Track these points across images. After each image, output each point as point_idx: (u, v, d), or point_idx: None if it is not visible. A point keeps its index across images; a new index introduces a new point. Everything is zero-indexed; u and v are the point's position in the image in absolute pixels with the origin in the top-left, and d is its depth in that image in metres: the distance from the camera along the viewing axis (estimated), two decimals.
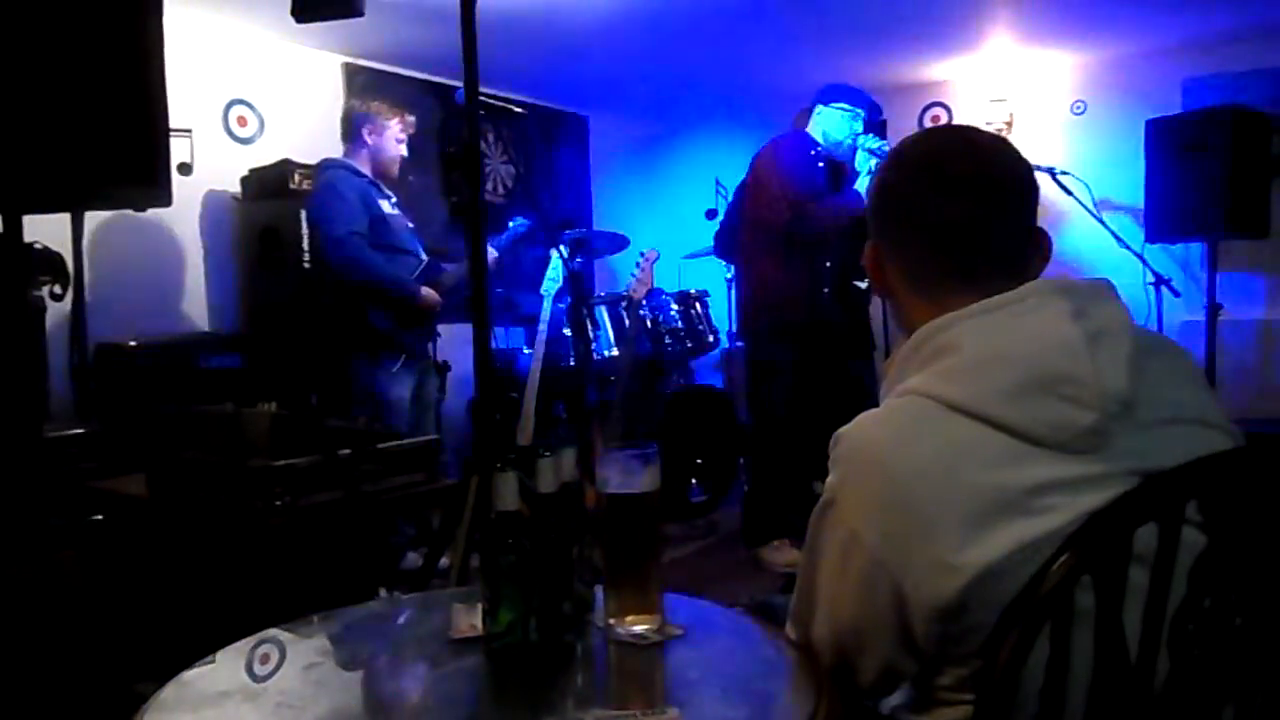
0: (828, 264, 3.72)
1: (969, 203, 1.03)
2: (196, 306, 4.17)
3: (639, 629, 1.17)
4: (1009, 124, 5.32)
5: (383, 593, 2.55)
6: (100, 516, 2.36)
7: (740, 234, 3.97)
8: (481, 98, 2.26)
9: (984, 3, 4.24)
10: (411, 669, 1.20)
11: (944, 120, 5.57)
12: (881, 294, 1.14)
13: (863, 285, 3.92)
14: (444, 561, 2.63)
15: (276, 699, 1.11)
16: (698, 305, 4.78)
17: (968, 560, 0.87)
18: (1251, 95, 4.35)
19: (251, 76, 4.36)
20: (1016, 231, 1.05)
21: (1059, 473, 0.89)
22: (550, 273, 4.04)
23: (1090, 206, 4.03)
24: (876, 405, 1.03)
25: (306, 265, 3.89)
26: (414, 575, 3.20)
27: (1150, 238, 4.13)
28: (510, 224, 3.90)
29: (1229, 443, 0.98)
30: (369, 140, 3.71)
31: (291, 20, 2.60)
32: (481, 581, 1.15)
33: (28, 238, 1.95)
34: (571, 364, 4.36)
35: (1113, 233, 4.14)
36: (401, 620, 1.39)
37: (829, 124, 3.80)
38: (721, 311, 5.24)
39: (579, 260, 4.63)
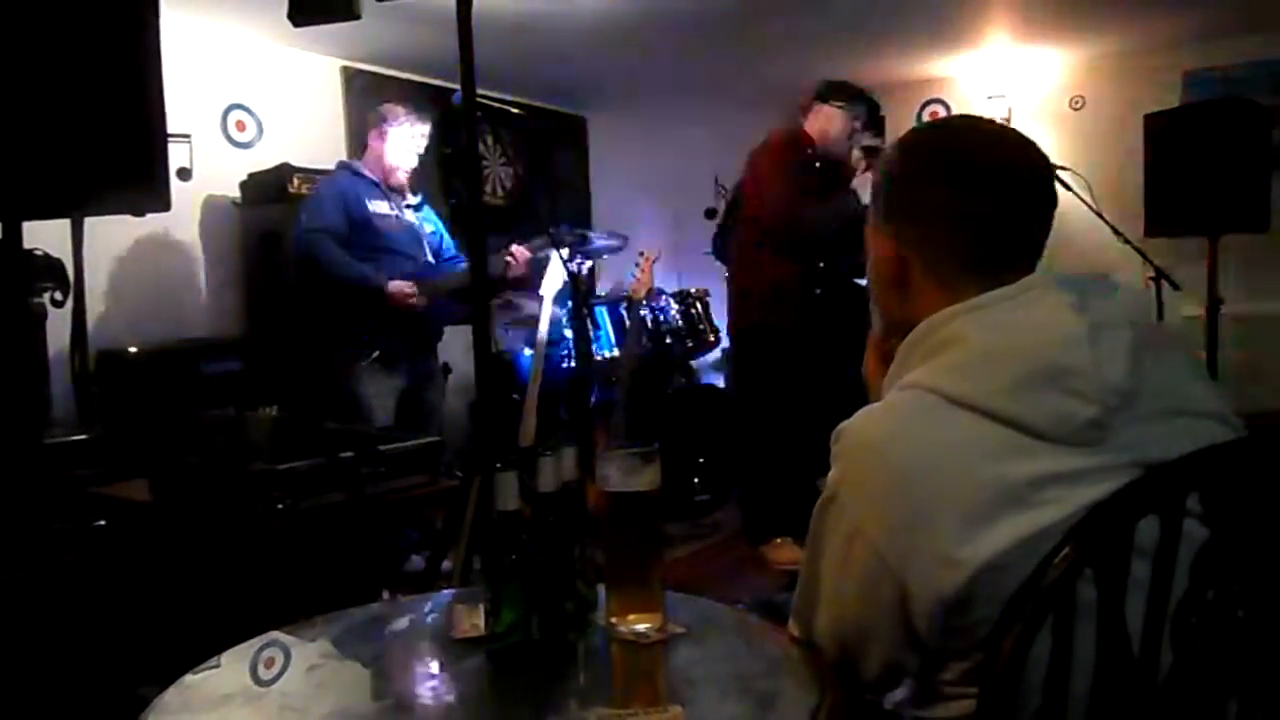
0: (821, 264, 3.72)
1: (1002, 193, 1.03)
2: (197, 311, 4.18)
3: (641, 628, 1.17)
4: (1008, 120, 5.31)
5: (385, 595, 2.55)
6: (103, 522, 2.36)
7: (736, 230, 3.97)
8: (480, 100, 2.26)
9: None
10: (414, 670, 1.20)
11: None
12: (893, 284, 1.10)
13: (863, 283, 3.92)
14: (446, 564, 2.63)
15: (279, 701, 1.11)
16: (698, 304, 4.78)
17: (970, 554, 0.87)
18: (1251, 88, 4.35)
19: (250, 81, 4.37)
20: (1043, 223, 1.05)
21: (1061, 466, 0.89)
22: (549, 273, 4.03)
23: (1090, 201, 4.02)
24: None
25: None
26: (417, 577, 3.20)
27: (1150, 232, 4.12)
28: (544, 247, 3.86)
29: (1231, 434, 0.98)
30: (370, 143, 3.73)
31: (289, 24, 2.60)
32: (483, 581, 1.15)
33: (28, 244, 1.95)
34: (572, 365, 4.36)
35: (1112, 227, 4.13)
36: (404, 621, 1.39)
37: (827, 122, 3.79)
38: (722, 311, 5.23)
39: (579, 261, 4.63)
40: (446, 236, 3.97)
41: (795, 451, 3.66)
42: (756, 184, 3.73)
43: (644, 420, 4.18)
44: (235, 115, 4.32)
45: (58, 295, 3.31)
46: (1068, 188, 3.95)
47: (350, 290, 3.54)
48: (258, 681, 1.18)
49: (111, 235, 3.80)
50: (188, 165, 3.84)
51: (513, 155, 5.41)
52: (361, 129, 3.84)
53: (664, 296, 4.68)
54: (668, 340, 4.59)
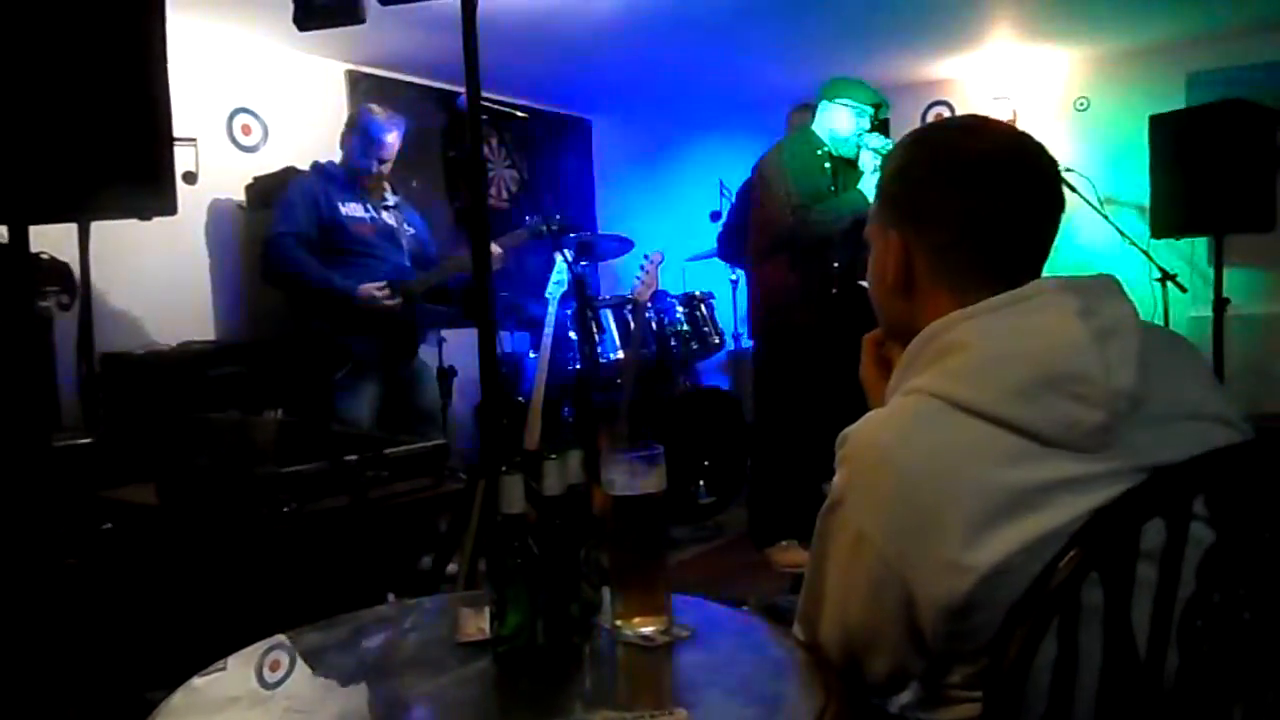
0: (835, 264, 3.72)
1: (1010, 195, 1.02)
2: (203, 315, 4.19)
3: (646, 630, 1.17)
4: (1012, 121, 5.31)
5: (391, 598, 2.55)
6: (109, 525, 2.37)
7: (748, 236, 3.96)
8: (484, 103, 2.26)
9: (986, 0, 4.23)
10: (419, 673, 1.20)
11: None
12: (896, 287, 1.09)
13: (866, 285, 3.91)
14: (452, 567, 2.63)
15: (285, 704, 1.11)
16: (703, 307, 4.78)
17: (976, 559, 0.86)
18: (1256, 89, 4.34)
19: (255, 85, 4.38)
20: (1051, 226, 1.05)
21: (1068, 471, 0.88)
22: (555, 276, 4.04)
23: (1095, 203, 4.02)
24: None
25: None
26: (422, 579, 3.20)
27: (1156, 233, 4.11)
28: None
29: (1238, 438, 0.98)
30: (348, 142, 3.69)
31: (294, 28, 2.61)
32: (488, 585, 1.15)
33: (34, 248, 1.96)
34: (577, 367, 4.36)
35: (1118, 229, 4.13)
36: (409, 624, 1.39)
37: (835, 121, 3.78)
38: (727, 313, 5.24)
39: (583, 264, 4.63)
40: (427, 237, 3.92)
41: (802, 454, 3.65)
42: (769, 189, 3.73)
43: (648, 423, 4.18)
44: (241, 119, 4.33)
45: (64, 299, 3.33)
46: (1073, 189, 3.96)
47: (318, 298, 3.49)
48: (264, 684, 1.18)
49: (117, 239, 3.80)
50: (193, 169, 3.84)
51: (517, 158, 5.41)
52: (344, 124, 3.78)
53: (668, 299, 4.68)
54: (672, 343, 4.59)
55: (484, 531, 2.19)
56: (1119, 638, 0.84)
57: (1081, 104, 5.32)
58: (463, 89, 2.19)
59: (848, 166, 3.83)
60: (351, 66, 4.79)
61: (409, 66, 4.89)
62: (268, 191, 4.13)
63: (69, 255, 3.36)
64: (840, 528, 0.98)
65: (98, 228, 3.53)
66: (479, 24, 2.19)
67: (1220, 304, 3.95)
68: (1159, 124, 4.05)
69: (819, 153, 3.74)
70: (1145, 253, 4.09)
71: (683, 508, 4.40)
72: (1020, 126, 5.39)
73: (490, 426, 2.41)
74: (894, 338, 1.11)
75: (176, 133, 1.89)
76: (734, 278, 5.10)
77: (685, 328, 4.65)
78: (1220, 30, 4.71)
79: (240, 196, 4.22)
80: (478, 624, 1.22)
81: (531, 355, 4.63)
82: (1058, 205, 1.06)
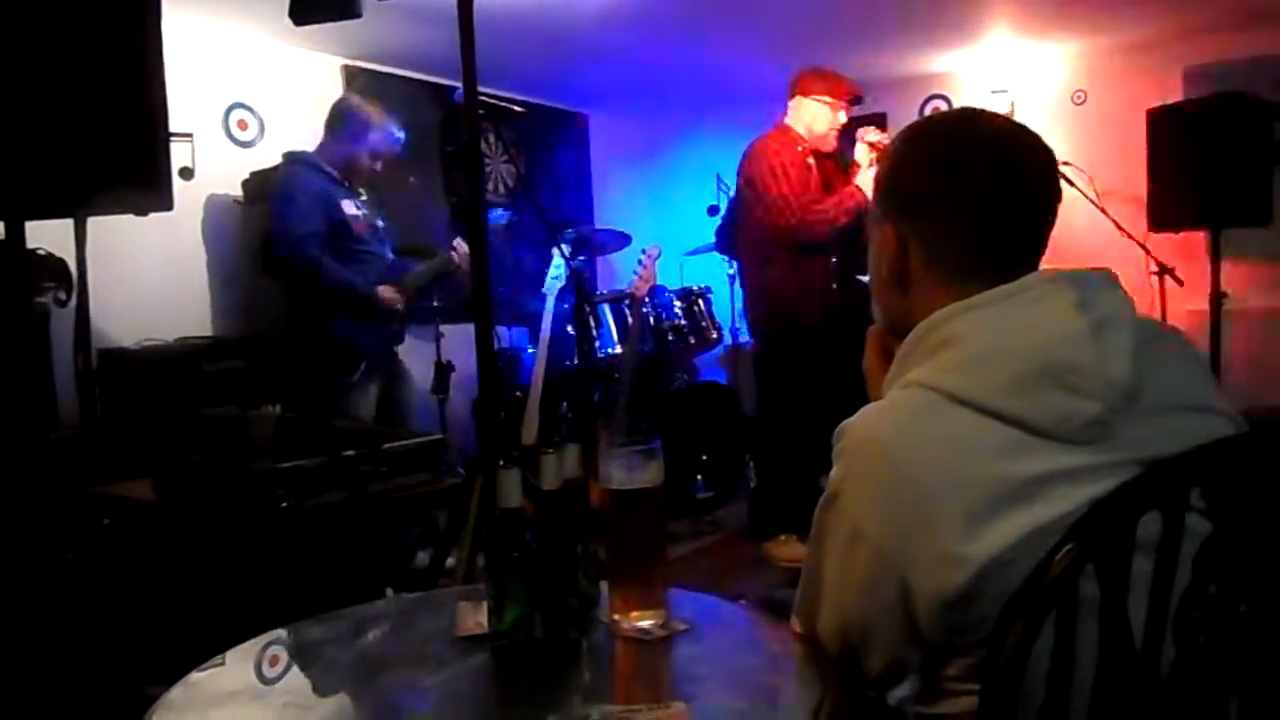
0: (834, 260, 3.71)
1: (1004, 188, 1.02)
2: (199, 310, 4.18)
3: (644, 624, 1.17)
4: (1010, 115, 5.30)
5: (390, 593, 2.55)
6: (107, 520, 2.37)
7: (743, 234, 3.96)
8: (481, 98, 2.26)
9: None
10: (418, 667, 1.20)
11: None
12: (893, 279, 1.09)
13: (865, 279, 3.91)
14: (450, 562, 2.63)
15: (284, 699, 1.12)
16: (700, 301, 4.78)
17: (973, 552, 0.87)
18: (1253, 83, 4.33)
19: (251, 80, 4.37)
20: (1046, 220, 1.04)
21: (1063, 463, 0.89)
22: (552, 271, 4.04)
23: (1092, 197, 4.02)
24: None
25: None
26: (420, 574, 3.20)
27: (1153, 227, 4.11)
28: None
29: (1233, 431, 0.98)
30: (352, 139, 3.61)
31: (290, 23, 2.60)
32: (487, 579, 1.15)
33: (31, 244, 1.96)
34: (575, 362, 4.36)
35: (1115, 222, 4.13)
36: (407, 619, 1.39)
37: (812, 117, 3.77)
38: (724, 307, 5.24)
39: (581, 258, 4.63)
40: (393, 231, 3.91)
41: (801, 448, 3.66)
42: (758, 190, 3.72)
43: (646, 418, 4.18)
44: (237, 114, 4.32)
45: (61, 294, 3.32)
46: (1070, 183, 3.96)
47: (337, 299, 3.48)
48: (263, 679, 1.19)
49: (114, 234, 3.79)
50: (190, 164, 3.83)
51: (514, 153, 5.40)
52: (337, 115, 3.71)
53: (666, 293, 4.67)
54: (670, 337, 4.59)
55: (482, 526, 2.20)
56: (1115, 630, 0.84)
57: (1079, 98, 5.32)
58: (459, 84, 2.19)
59: (831, 159, 3.82)
60: (347, 61, 4.78)
61: (405, 61, 4.88)
62: (264, 187, 4.12)
63: (65, 251, 3.35)
64: (837, 521, 0.98)
65: (94, 223, 3.53)
66: (475, 18, 2.19)
67: (1217, 298, 3.96)
68: (1156, 118, 4.05)
69: (799, 149, 3.73)
70: (1143, 246, 4.09)
71: (680, 502, 4.40)
72: (1018, 120, 5.42)
73: (488, 421, 2.41)
74: (892, 332, 1.11)
75: (173, 128, 1.89)
76: (731, 272, 5.09)
77: (683, 322, 4.65)
78: (1218, 24, 4.70)
79: (237, 192, 4.21)
80: (476, 618, 1.22)
81: (529, 350, 4.64)
82: (1052, 197, 1.05)
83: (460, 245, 3.70)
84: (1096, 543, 0.83)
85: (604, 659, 1.18)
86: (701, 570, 3.74)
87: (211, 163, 4.09)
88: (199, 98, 4.13)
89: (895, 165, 1.10)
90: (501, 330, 4.67)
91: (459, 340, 3.96)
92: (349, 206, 3.59)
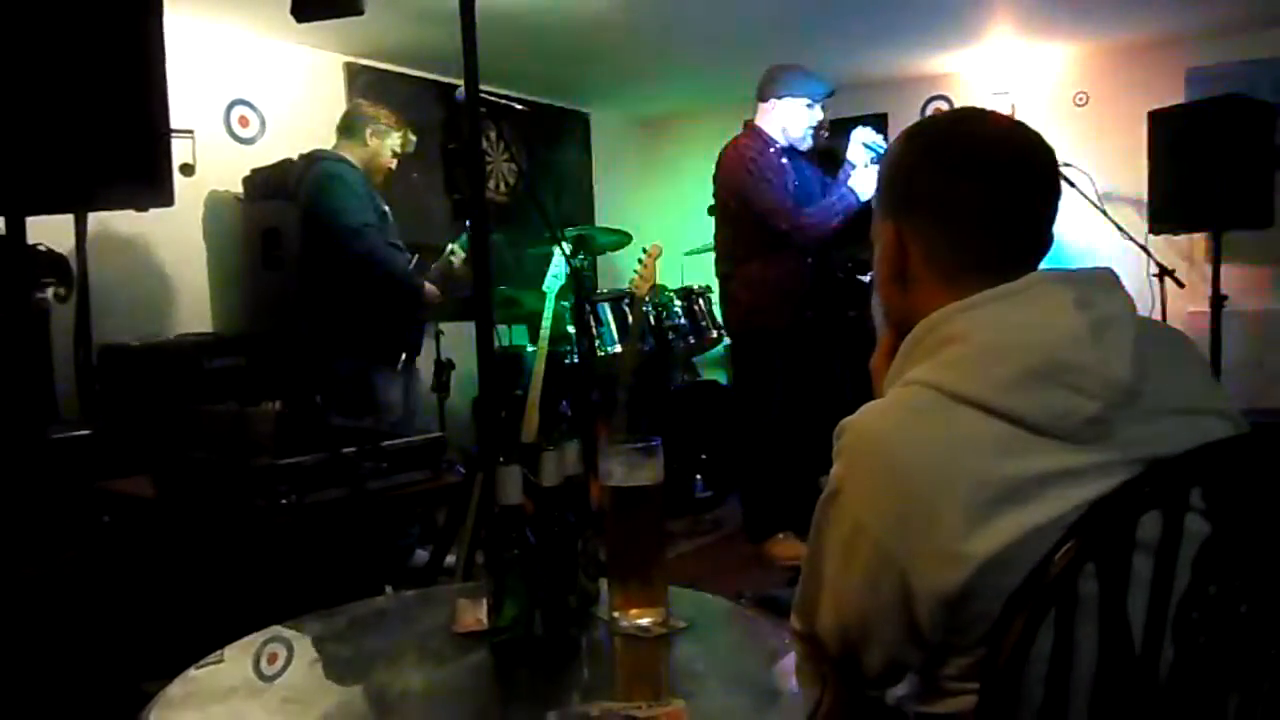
0: (809, 261, 3.71)
1: (1002, 187, 1.02)
2: (200, 307, 4.18)
3: (643, 622, 1.17)
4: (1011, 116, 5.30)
5: (389, 590, 2.55)
6: (107, 517, 2.37)
7: (720, 235, 3.96)
8: (483, 95, 2.26)
9: None
10: (417, 664, 1.20)
11: None
12: (894, 277, 1.09)
13: (866, 279, 3.91)
14: (449, 559, 2.63)
15: (283, 694, 1.12)
16: (701, 301, 4.78)
17: (973, 549, 0.87)
18: (1254, 85, 4.34)
19: (253, 77, 4.37)
20: (1045, 220, 1.04)
21: (1063, 463, 0.89)
22: (553, 270, 4.04)
23: (1093, 198, 4.02)
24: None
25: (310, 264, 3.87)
26: (419, 572, 3.21)
27: (1154, 229, 4.12)
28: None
29: (1232, 432, 0.98)
30: (369, 141, 3.67)
31: (292, 20, 2.60)
32: (486, 576, 1.15)
33: (31, 240, 1.96)
34: (575, 361, 4.36)
35: (1116, 224, 4.13)
36: (406, 616, 1.40)
37: (787, 118, 3.75)
38: (719, 307, 5.24)
39: (581, 257, 4.62)
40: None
41: (796, 447, 3.66)
42: (737, 192, 3.71)
43: (646, 417, 4.18)
44: (238, 111, 4.32)
45: (61, 290, 3.32)
46: (1071, 184, 3.96)
47: (394, 291, 3.53)
48: (261, 675, 1.19)
49: (115, 230, 3.81)
50: (191, 161, 3.84)
51: (516, 151, 5.40)
52: (357, 122, 3.77)
53: (666, 293, 4.67)
54: (670, 336, 4.59)
55: (482, 523, 2.20)
56: (1115, 630, 0.84)
57: (1081, 99, 5.32)
58: (461, 81, 2.19)
59: (805, 160, 3.80)
60: (349, 59, 4.78)
61: (407, 59, 4.88)
62: (265, 183, 4.13)
63: (66, 247, 3.35)
64: (838, 518, 0.98)
65: (95, 218, 3.53)
66: (478, 16, 2.18)
67: (1218, 300, 3.96)
68: (1158, 119, 4.06)
69: (771, 151, 3.72)
70: (1143, 248, 4.10)
71: (680, 501, 4.40)
72: (1019, 119, 5.42)
73: (488, 419, 2.41)
74: (895, 329, 1.11)
75: (174, 125, 1.89)
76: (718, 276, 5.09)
77: (683, 321, 4.65)
78: (1219, 26, 4.70)
79: (238, 188, 4.21)
80: (475, 615, 1.22)
81: (529, 349, 4.63)
82: (1052, 196, 1.05)
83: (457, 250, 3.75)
84: (1096, 542, 0.83)
85: (603, 656, 1.18)
86: (701, 569, 3.74)
87: (212, 159, 4.10)
88: (200, 94, 4.13)
89: (894, 164, 1.10)
90: (502, 328, 4.68)
91: (459, 338, 3.97)
92: (382, 203, 3.66)
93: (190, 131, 3.86)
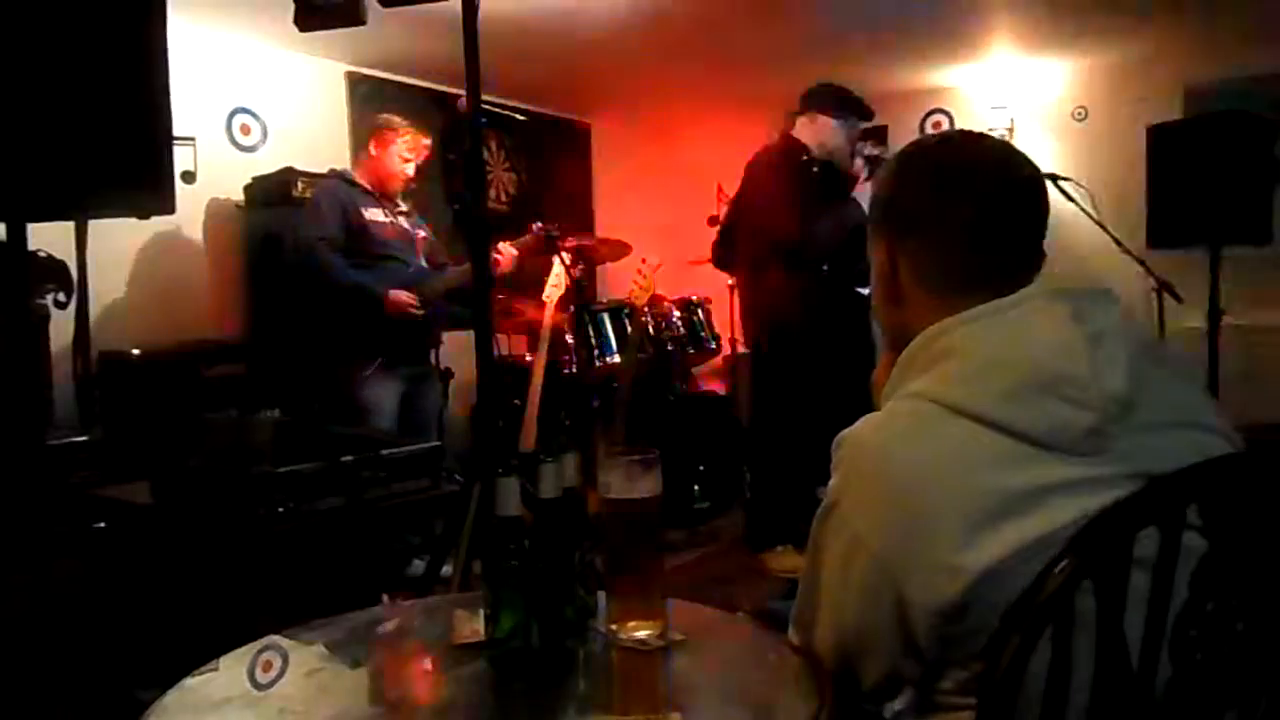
0: (825, 268, 3.72)
1: (988, 207, 1.04)
2: (200, 314, 4.18)
3: (641, 634, 1.17)
4: (1010, 130, 5.32)
5: (386, 599, 2.54)
6: (103, 524, 2.36)
7: (742, 245, 3.97)
8: (484, 106, 2.27)
9: (986, 10, 4.25)
10: (414, 675, 1.20)
11: (945, 127, 5.57)
12: (888, 296, 1.12)
13: (865, 292, 3.92)
14: (446, 569, 2.63)
15: (279, 705, 1.11)
16: (699, 312, 4.78)
17: (969, 562, 0.87)
18: (1253, 101, 4.35)
19: (254, 85, 4.38)
20: (1032, 238, 1.06)
21: (1060, 475, 0.89)
22: (552, 280, 4.04)
23: (1092, 213, 4.02)
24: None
25: None
26: (417, 583, 3.20)
27: (1152, 244, 4.12)
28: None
29: (1228, 448, 0.98)
30: (372, 150, 3.71)
31: (294, 29, 2.61)
32: (483, 587, 1.15)
33: (31, 246, 1.96)
34: (574, 371, 4.36)
35: (1115, 239, 4.13)
36: (403, 626, 1.39)
37: (822, 132, 3.79)
38: (724, 318, 5.24)
39: (581, 267, 4.63)
40: (435, 241, 4.00)
41: (797, 459, 3.66)
42: (758, 198, 3.72)
43: (644, 427, 4.18)
44: (240, 119, 4.33)
45: (61, 297, 3.32)
46: (1070, 198, 3.97)
47: (349, 298, 3.54)
48: (257, 685, 1.18)
49: (115, 237, 3.81)
50: (192, 168, 3.84)
51: (516, 161, 5.41)
52: (364, 134, 3.83)
53: (666, 303, 4.68)
54: (669, 347, 4.59)
55: (479, 534, 2.19)
56: (1112, 646, 0.84)
57: (1079, 114, 5.33)
58: (463, 91, 2.20)
59: (837, 174, 3.83)
60: (351, 68, 4.80)
61: (409, 68, 4.89)
62: (266, 191, 4.13)
63: (66, 253, 3.35)
64: (836, 530, 0.99)
65: (95, 225, 3.54)
66: (480, 27, 2.19)
67: (1216, 315, 3.96)
68: (1157, 135, 4.06)
69: (804, 159, 3.74)
70: (1142, 263, 4.10)
71: (678, 512, 4.39)
72: (1019, 136, 5.42)
73: (486, 429, 2.41)
74: (892, 346, 1.12)
75: (176, 132, 1.89)
76: (731, 283, 5.09)
77: (682, 332, 4.65)
78: (1219, 42, 4.72)
79: (238, 196, 4.22)
80: (472, 626, 1.22)
81: (528, 359, 4.63)
82: (1039, 214, 1.07)
83: (505, 249, 3.77)
84: (1094, 558, 0.83)
85: (600, 669, 1.18)
86: (699, 581, 3.73)
87: (213, 167, 4.10)
88: (202, 102, 4.14)
89: (884, 185, 1.13)
90: (501, 338, 4.67)
91: (458, 348, 3.97)
92: (374, 214, 3.67)
93: (192, 139, 3.86)
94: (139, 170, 1.80)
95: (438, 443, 2.66)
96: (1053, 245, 1.08)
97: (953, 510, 0.89)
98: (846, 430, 1.00)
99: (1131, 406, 0.92)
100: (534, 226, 3.94)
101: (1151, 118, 4.19)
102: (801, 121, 3.84)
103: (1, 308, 2.09)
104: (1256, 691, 0.91)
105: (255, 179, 4.18)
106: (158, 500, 2.37)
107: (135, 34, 1.80)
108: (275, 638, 1.27)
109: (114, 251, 3.83)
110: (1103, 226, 3.98)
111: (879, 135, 4.85)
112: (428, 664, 1.21)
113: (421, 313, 3.62)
